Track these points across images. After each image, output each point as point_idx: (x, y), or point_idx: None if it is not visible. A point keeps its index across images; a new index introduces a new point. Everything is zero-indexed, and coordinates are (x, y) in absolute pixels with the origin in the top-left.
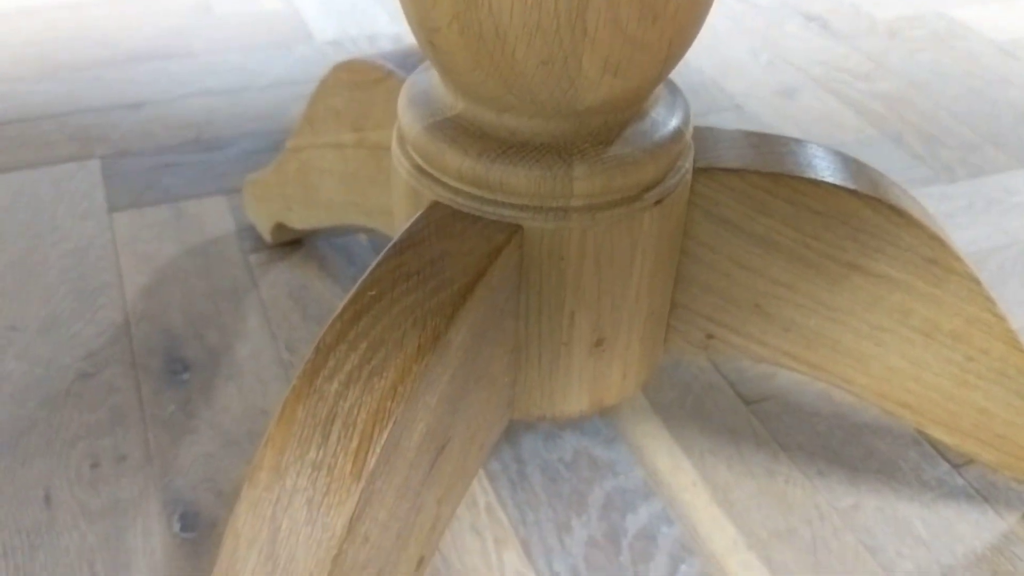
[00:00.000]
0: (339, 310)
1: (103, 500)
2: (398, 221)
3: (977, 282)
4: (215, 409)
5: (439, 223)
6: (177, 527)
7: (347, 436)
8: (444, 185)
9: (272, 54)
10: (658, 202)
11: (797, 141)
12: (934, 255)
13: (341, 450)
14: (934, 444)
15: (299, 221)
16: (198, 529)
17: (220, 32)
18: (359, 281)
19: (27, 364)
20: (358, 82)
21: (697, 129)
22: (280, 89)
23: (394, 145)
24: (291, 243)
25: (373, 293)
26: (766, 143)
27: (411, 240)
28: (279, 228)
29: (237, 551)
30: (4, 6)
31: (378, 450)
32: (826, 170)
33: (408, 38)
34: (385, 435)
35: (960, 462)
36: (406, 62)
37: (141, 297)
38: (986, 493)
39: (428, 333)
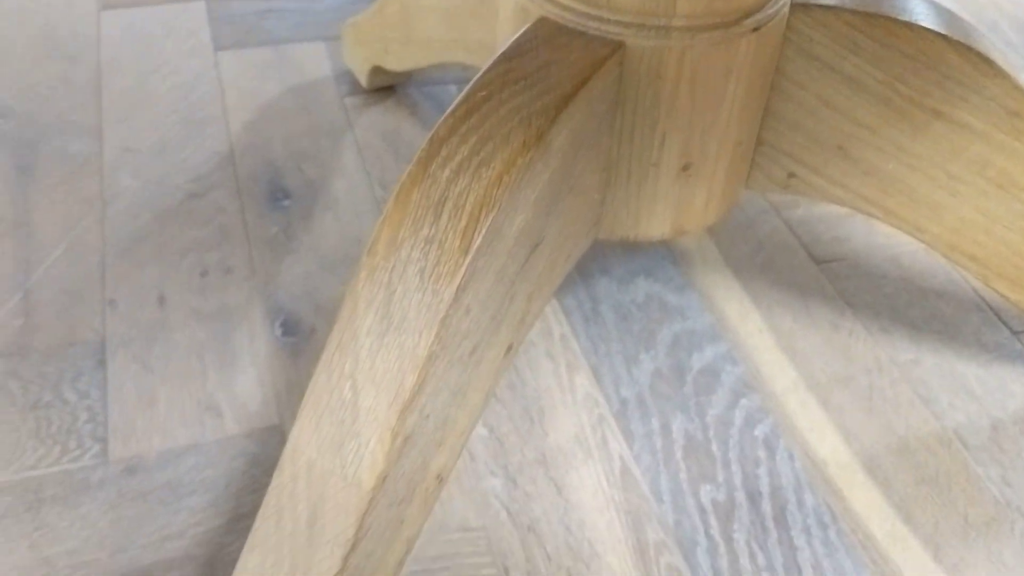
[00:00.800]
0: (451, 108)
1: (212, 305)
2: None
3: None
4: (313, 234)
5: (546, 36)
6: (279, 332)
7: (456, 216)
8: (552, 1)
9: None
10: (755, 30)
11: None
12: (1017, 108)
13: (451, 228)
14: (996, 311)
15: (396, 63)
16: (298, 335)
17: None
18: (469, 84)
19: (141, 182)
20: None
21: None
22: None
23: None
24: (385, 89)
25: (483, 94)
26: None
27: (519, 50)
28: (375, 71)
29: (356, 311)
30: None
31: (484, 231)
32: (920, 14)
33: None
34: (491, 218)
35: (1021, 328)
36: None
37: (244, 130)
38: None
39: (532, 131)
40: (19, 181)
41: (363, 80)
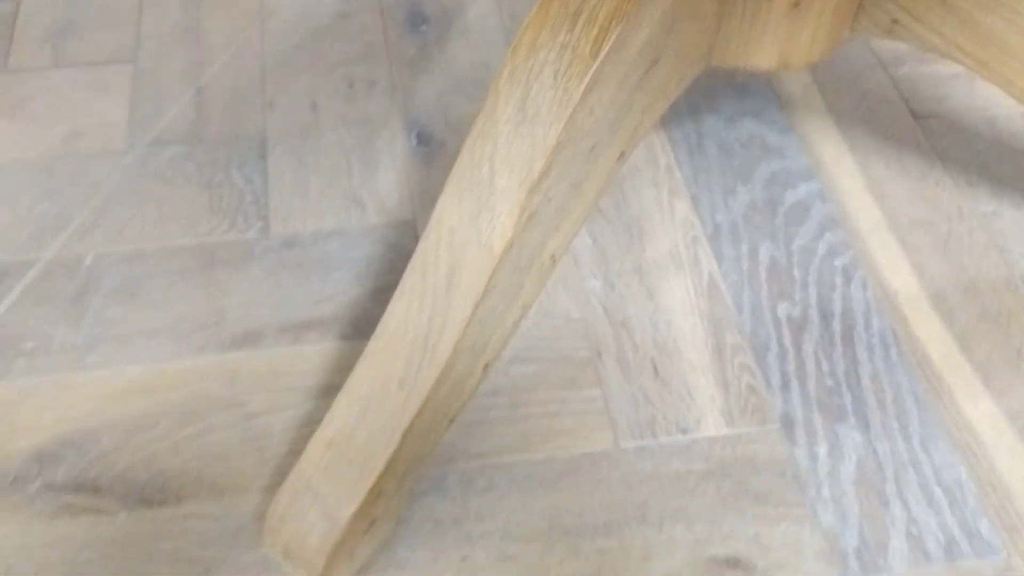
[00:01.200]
0: None
1: (357, 113)
2: None
3: None
4: (447, 57)
5: None
6: (414, 142)
7: (590, 26)
8: None
9: None
10: None
11: None
12: None
13: (584, 36)
14: None
15: None
16: (430, 145)
17: None
18: None
19: (296, 1)
20: None
21: None
22: None
23: None
24: None
25: None
26: None
27: None
28: None
29: (497, 104)
30: None
31: (612, 40)
32: None
33: None
34: (619, 29)
35: None
36: None
37: None
38: None
39: None
40: None
41: None
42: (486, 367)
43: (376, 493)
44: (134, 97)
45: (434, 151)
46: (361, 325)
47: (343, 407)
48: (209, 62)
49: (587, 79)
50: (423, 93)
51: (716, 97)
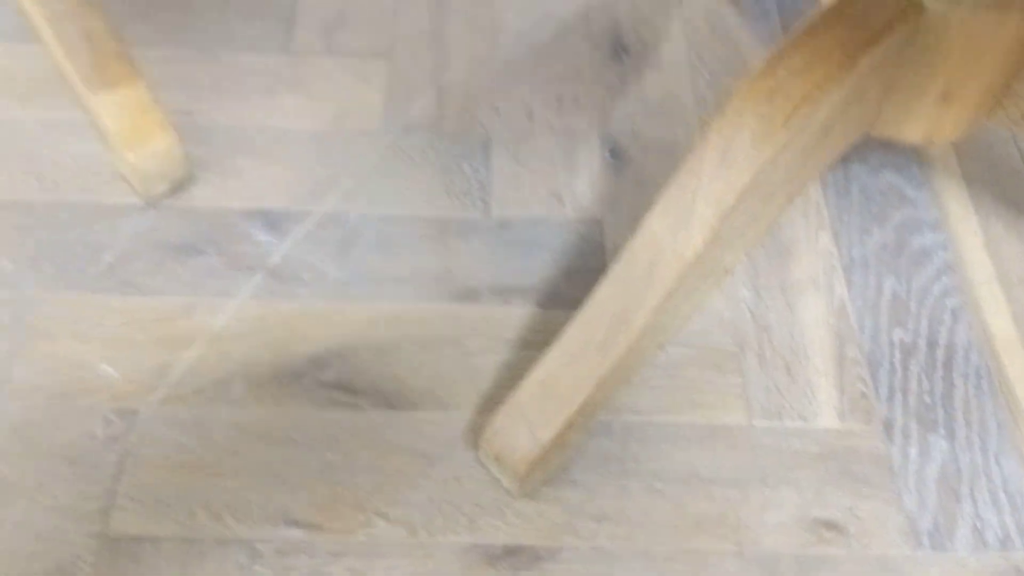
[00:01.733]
0: (796, 30)
1: (564, 124)
2: None
3: None
4: (641, 85)
5: None
6: (608, 155)
7: (784, 103)
8: None
9: None
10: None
11: None
12: None
13: (779, 110)
14: None
15: None
16: (621, 159)
17: None
18: (812, 14)
19: (523, 20)
20: None
21: None
22: None
23: None
24: None
25: (819, 22)
26: None
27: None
28: None
29: (704, 152)
30: None
31: (800, 116)
32: None
33: None
34: (806, 108)
35: None
36: None
37: None
38: None
39: (848, 57)
40: (439, 4)
41: None
42: (660, 345)
43: (568, 425)
44: (389, 88)
45: (623, 165)
46: (554, 297)
47: (555, 356)
48: (449, 65)
49: (776, 143)
50: (618, 114)
51: (865, 150)
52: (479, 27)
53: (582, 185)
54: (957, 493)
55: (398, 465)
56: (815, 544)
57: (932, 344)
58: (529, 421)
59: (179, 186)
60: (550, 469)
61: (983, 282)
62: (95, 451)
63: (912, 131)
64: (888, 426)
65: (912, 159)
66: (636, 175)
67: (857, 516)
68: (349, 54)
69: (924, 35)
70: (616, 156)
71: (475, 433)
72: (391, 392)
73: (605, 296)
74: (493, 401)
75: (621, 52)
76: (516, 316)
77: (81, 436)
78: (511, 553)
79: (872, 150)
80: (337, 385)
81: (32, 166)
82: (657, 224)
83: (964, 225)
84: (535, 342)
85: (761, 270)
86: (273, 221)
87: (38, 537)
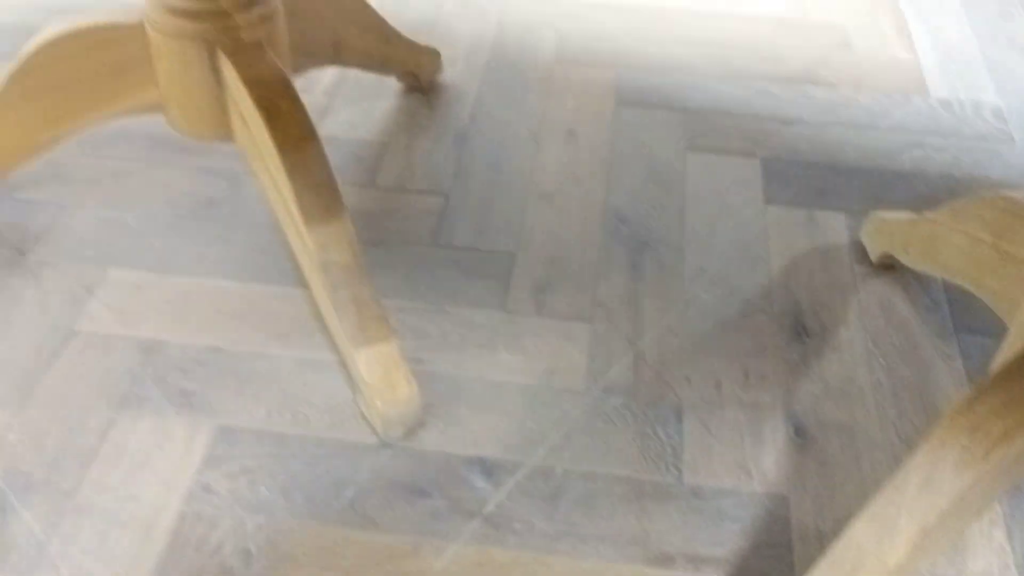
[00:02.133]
0: (992, 374)
1: (750, 398)
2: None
3: None
4: (822, 367)
5: None
6: (792, 432)
7: (984, 438)
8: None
9: (894, 100)
10: None
11: None
12: None
13: (979, 444)
14: None
15: (910, 262)
16: (805, 438)
17: (855, 70)
18: (1003, 362)
19: (711, 296)
20: (1011, 210)
21: None
22: (895, 134)
23: None
24: (887, 266)
25: (1009, 372)
26: None
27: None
28: (886, 256)
29: (909, 474)
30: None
31: (998, 449)
32: None
33: (1010, 113)
34: (1003, 445)
35: None
36: None
37: (780, 272)
38: None
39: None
40: (635, 273)
41: (872, 256)
42: None
43: None
44: (591, 350)
45: (807, 444)
46: (743, 571)
47: None
48: (643, 332)
49: (976, 473)
50: (801, 393)
51: None
52: (671, 299)
53: (768, 460)
54: None
55: None
56: None
57: None
58: None
59: (412, 431)
60: None
61: None
62: None
63: None
64: None
65: None
66: (819, 455)
67: None
68: (557, 316)
69: None
70: (800, 434)
71: None
72: None
73: None
74: None
75: (803, 333)
76: None
77: None
78: None
79: None
80: None
81: (287, 401)
82: (862, 532)
83: None
84: None
85: (939, 562)
86: (489, 469)
87: None
